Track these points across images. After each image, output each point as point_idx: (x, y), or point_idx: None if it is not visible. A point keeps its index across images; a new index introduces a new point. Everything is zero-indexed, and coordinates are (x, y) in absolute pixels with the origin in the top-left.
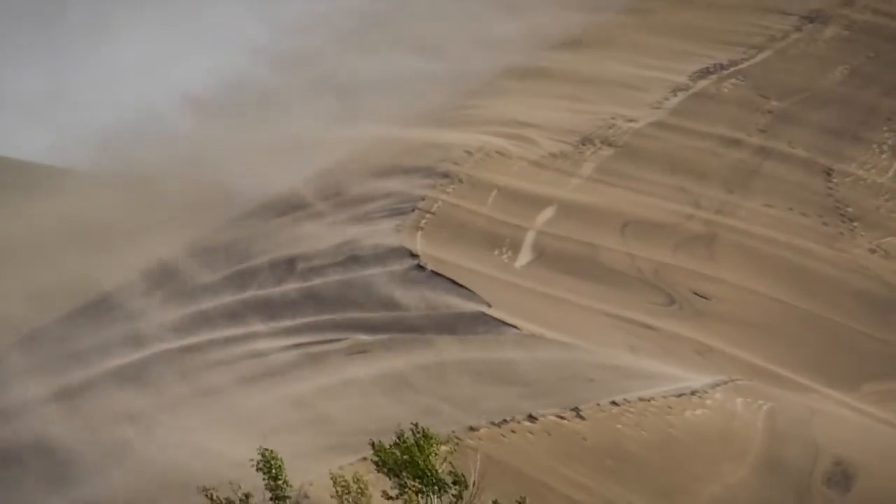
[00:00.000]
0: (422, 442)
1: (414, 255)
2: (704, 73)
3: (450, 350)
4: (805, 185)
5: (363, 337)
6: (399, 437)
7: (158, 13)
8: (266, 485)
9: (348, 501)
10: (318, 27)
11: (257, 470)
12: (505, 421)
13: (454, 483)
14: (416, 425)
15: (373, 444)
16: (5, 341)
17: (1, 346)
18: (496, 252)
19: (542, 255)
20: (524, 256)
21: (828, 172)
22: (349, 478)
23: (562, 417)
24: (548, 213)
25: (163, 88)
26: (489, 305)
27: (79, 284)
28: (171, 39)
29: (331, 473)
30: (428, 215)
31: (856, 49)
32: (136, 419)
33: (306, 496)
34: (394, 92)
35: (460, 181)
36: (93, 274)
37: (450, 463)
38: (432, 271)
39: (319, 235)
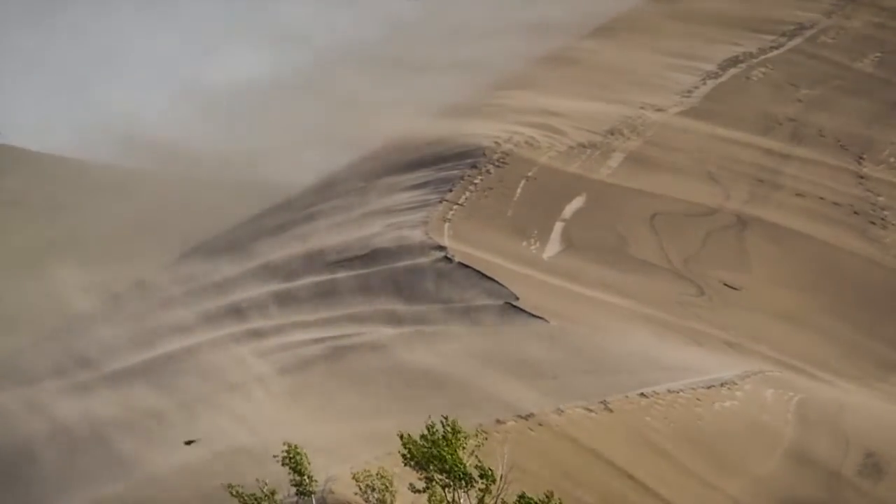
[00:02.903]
0: (450, 435)
1: (441, 247)
2: (734, 61)
3: (476, 342)
4: (836, 175)
5: (388, 330)
6: (428, 430)
7: None
8: (291, 480)
9: (372, 496)
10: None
11: (282, 465)
12: (532, 414)
13: (481, 477)
14: (445, 418)
15: (401, 437)
16: None
17: None
18: (524, 243)
19: (571, 246)
20: (552, 247)
21: (858, 161)
22: (374, 472)
23: (590, 410)
24: (577, 203)
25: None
26: (517, 297)
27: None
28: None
29: (351, 471)
30: (456, 206)
31: (886, 36)
32: None
33: (331, 491)
34: (430, 81)
35: (489, 172)
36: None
37: (476, 457)
38: (460, 263)
39: (347, 227)
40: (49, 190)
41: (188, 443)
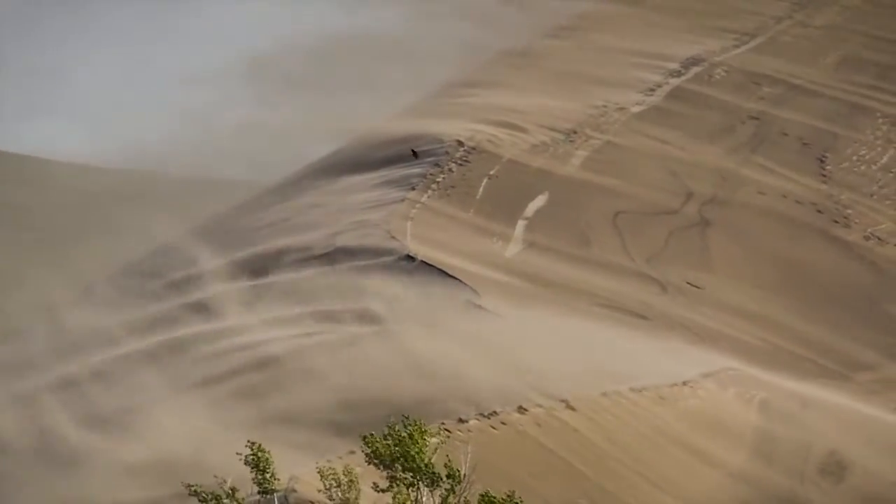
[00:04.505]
0: (415, 434)
1: (403, 246)
2: (697, 59)
3: (437, 339)
4: (799, 173)
5: (349, 328)
6: (391, 429)
7: None
8: (253, 478)
9: (337, 494)
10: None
11: (245, 464)
12: (495, 413)
13: (448, 476)
14: (406, 417)
15: (364, 437)
16: None
17: None
18: (487, 242)
19: (534, 244)
20: (515, 245)
21: (821, 159)
22: (339, 470)
23: (552, 409)
24: (539, 201)
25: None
26: (479, 295)
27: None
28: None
29: (318, 467)
30: (418, 205)
31: (848, 35)
32: None
33: (294, 490)
34: (385, 82)
35: (451, 170)
36: None
37: (447, 455)
38: (422, 262)
39: (307, 226)
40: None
41: None
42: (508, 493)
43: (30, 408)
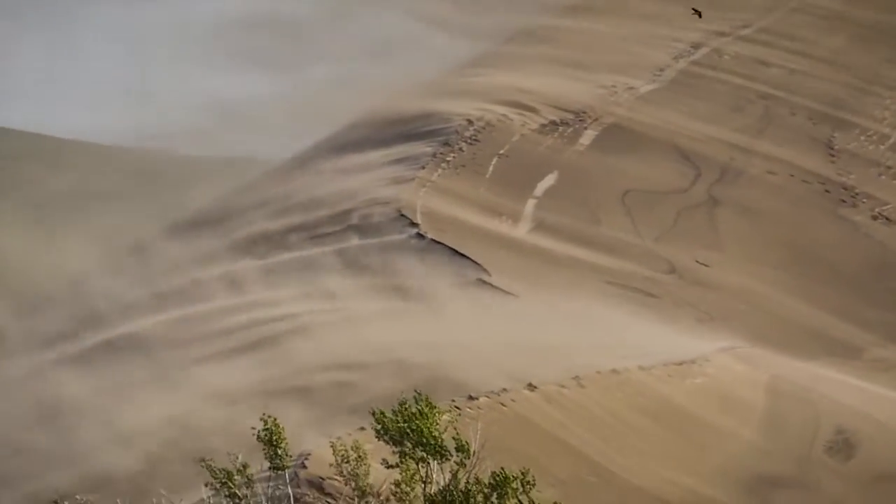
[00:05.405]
0: (425, 409)
1: (413, 224)
2: (706, 39)
3: (449, 319)
4: (807, 153)
5: (355, 306)
6: (401, 406)
7: None
8: (265, 454)
9: (347, 470)
10: None
11: (258, 439)
12: (504, 390)
13: (458, 450)
14: (419, 393)
15: (373, 413)
16: None
17: None
18: (497, 221)
19: (543, 223)
20: (525, 225)
21: (829, 139)
22: (348, 446)
23: (562, 386)
24: (549, 180)
25: None
26: (489, 274)
27: None
28: None
29: (330, 442)
30: (428, 184)
31: (858, 15)
32: None
33: (303, 466)
34: (394, 58)
35: (461, 149)
36: None
37: (455, 429)
38: (432, 240)
39: (317, 203)
40: None
41: None
42: (522, 470)
43: (40, 379)
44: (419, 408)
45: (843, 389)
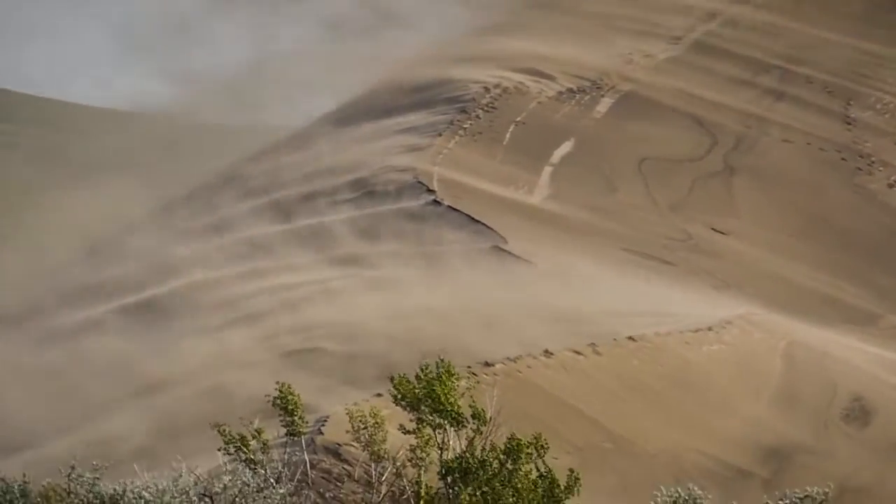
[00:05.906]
0: (444, 376)
1: (430, 191)
2: (723, 7)
3: (466, 286)
4: (823, 121)
5: (372, 273)
6: (422, 370)
7: None
8: (281, 420)
9: (364, 436)
10: None
11: (273, 405)
12: (521, 356)
13: (473, 417)
14: (441, 360)
15: (392, 379)
16: None
17: None
18: (513, 188)
19: (559, 191)
20: (541, 191)
21: (846, 108)
22: (366, 412)
23: (578, 353)
24: (565, 148)
25: None
26: (505, 241)
27: None
28: None
29: (346, 409)
30: (445, 150)
31: None
32: None
33: (320, 432)
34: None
35: (478, 117)
36: None
37: (471, 397)
38: (448, 206)
39: (335, 170)
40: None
41: None
42: (535, 435)
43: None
44: (437, 373)
45: (859, 356)
